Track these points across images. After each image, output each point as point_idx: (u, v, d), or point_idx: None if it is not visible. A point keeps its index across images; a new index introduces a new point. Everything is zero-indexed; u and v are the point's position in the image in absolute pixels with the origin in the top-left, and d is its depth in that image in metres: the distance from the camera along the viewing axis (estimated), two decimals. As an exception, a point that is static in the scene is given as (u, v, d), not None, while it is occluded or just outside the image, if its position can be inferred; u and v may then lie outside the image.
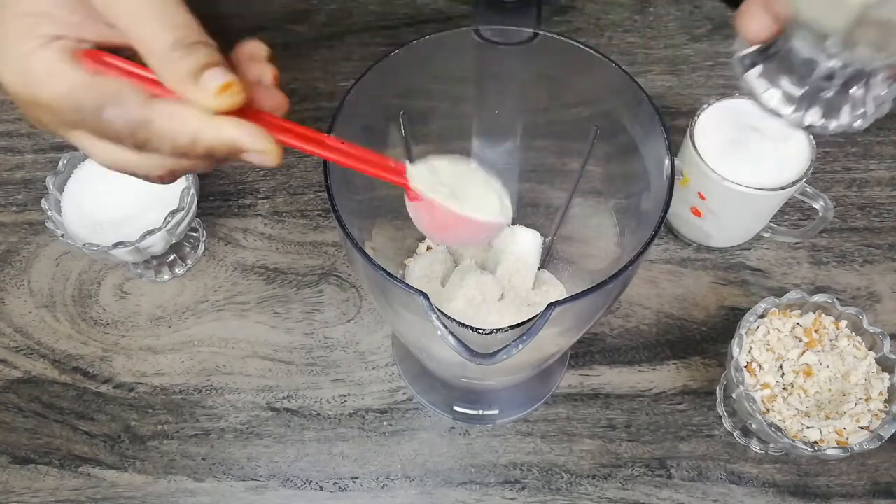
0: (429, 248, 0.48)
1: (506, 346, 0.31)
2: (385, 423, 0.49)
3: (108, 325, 0.52)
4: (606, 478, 0.47)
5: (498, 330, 0.31)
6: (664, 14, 0.65)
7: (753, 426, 0.43)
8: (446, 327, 0.31)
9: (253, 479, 0.47)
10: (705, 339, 0.51)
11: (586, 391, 0.49)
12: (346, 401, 0.49)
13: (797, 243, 0.54)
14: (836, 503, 0.46)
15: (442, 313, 0.31)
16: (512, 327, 0.31)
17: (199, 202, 0.51)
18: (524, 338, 0.31)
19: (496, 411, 0.48)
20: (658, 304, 0.52)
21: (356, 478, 0.47)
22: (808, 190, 0.49)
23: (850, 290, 0.53)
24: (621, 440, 0.48)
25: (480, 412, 0.48)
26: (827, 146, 0.58)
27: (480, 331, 0.31)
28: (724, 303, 0.52)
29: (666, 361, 0.50)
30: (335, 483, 0.47)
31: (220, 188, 0.57)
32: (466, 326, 0.31)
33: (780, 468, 0.47)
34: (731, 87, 0.61)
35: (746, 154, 0.48)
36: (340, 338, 0.51)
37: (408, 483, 0.47)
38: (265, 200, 0.57)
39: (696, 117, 0.49)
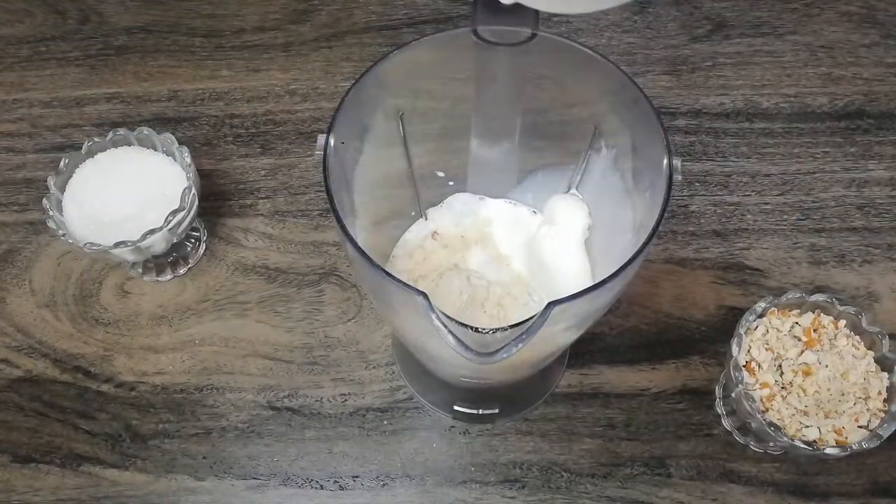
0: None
1: (505, 345, 0.31)
2: (385, 422, 0.49)
3: (109, 324, 0.52)
4: (606, 476, 0.47)
5: (497, 329, 0.31)
6: (663, 14, 0.66)
7: (753, 425, 0.43)
8: (446, 326, 0.31)
9: (254, 478, 0.47)
10: (704, 339, 0.51)
11: (586, 390, 0.49)
12: (346, 400, 0.49)
13: (796, 243, 0.54)
14: (836, 502, 0.46)
15: (442, 312, 0.31)
16: (511, 326, 0.31)
17: (199, 202, 0.51)
18: (523, 336, 0.31)
19: (496, 410, 0.48)
20: (657, 303, 0.52)
21: (357, 476, 0.47)
22: None
23: (850, 290, 0.53)
24: (621, 439, 0.48)
25: (480, 411, 0.48)
26: (826, 147, 0.58)
27: (481, 330, 0.31)
28: (724, 302, 0.52)
29: (665, 361, 0.50)
30: (336, 482, 0.47)
31: (220, 188, 0.57)
32: (466, 326, 0.31)
33: (779, 467, 0.47)
34: (730, 88, 0.61)
35: None
36: (341, 337, 0.52)
37: (408, 482, 0.47)
38: (266, 200, 0.57)
39: None
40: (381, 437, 0.48)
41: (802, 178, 0.57)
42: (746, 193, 0.56)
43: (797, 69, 0.62)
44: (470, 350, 0.31)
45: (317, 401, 0.49)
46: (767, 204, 0.56)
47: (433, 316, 0.31)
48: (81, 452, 0.48)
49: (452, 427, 0.48)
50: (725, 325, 0.51)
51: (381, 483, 0.47)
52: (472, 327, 0.31)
